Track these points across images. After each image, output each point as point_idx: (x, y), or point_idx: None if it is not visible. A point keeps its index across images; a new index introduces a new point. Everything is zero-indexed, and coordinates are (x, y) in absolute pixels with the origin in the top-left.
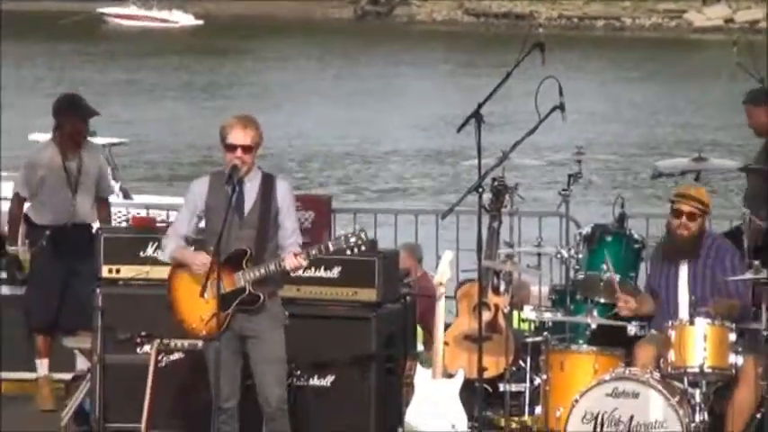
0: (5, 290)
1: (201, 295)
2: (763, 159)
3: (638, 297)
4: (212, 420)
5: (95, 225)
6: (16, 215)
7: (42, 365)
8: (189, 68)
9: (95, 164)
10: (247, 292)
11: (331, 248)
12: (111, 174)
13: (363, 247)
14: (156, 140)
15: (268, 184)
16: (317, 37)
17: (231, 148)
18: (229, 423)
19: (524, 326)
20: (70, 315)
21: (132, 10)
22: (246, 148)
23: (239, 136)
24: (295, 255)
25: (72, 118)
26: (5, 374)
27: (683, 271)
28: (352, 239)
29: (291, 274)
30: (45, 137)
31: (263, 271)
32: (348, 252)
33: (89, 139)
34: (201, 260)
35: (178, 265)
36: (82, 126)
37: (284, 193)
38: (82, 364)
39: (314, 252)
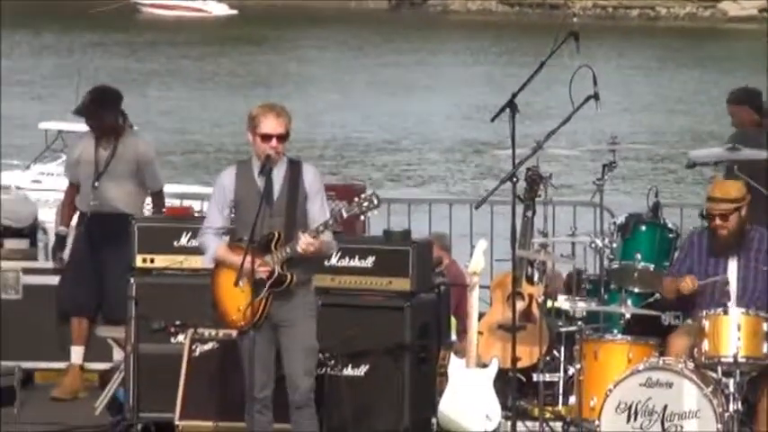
0: (38, 279)
1: (236, 284)
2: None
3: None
4: (246, 410)
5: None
6: (65, 199)
7: (76, 353)
8: (225, 59)
9: (132, 153)
10: (276, 273)
11: (345, 215)
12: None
13: (377, 211)
14: (198, 131)
15: (295, 169)
16: (352, 27)
17: (266, 137)
18: (264, 413)
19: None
20: (105, 306)
21: None
22: (281, 137)
23: (273, 125)
24: (305, 235)
25: (99, 112)
26: (39, 364)
27: (732, 266)
28: (365, 203)
29: (326, 263)
30: (56, 125)
31: (288, 251)
32: (362, 217)
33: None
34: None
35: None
36: (108, 118)
37: (311, 179)
38: (118, 355)
39: (321, 228)
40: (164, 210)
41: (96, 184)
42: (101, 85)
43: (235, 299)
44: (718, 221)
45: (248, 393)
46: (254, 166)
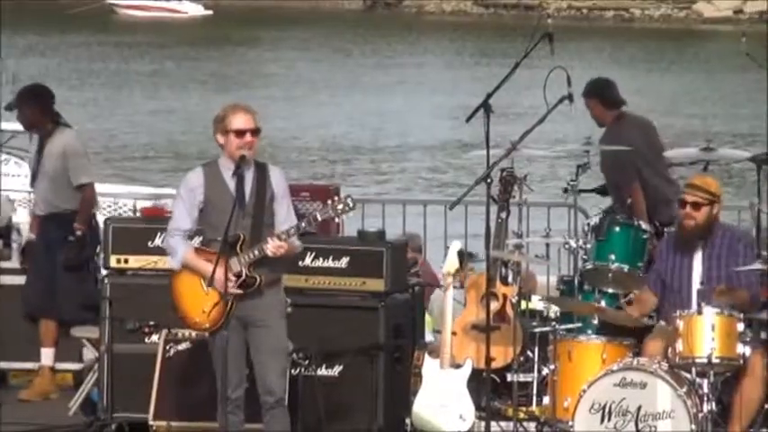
0: (11, 279)
1: (210, 285)
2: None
3: (638, 297)
4: (219, 410)
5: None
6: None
7: (45, 355)
8: (205, 60)
9: (59, 148)
10: (244, 275)
11: (319, 218)
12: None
13: (351, 213)
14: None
15: (262, 171)
16: (327, 28)
17: (239, 133)
18: (236, 413)
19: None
20: (63, 307)
21: (142, 0)
22: (254, 132)
23: (244, 120)
24: (275, 237)
25: (27, 108)
26: (13, 364)
27: (697, 261)
28: (340, 206)
29: (300, 263)
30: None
31: (256, 253)
32: (336, 219)
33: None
34: (227, 278)
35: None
36: (34, 115)
37: (278, 180)
38: (89, 355)
39: (292, 232)
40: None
41: (34, 185)
42: (33, 83)
43: (199, 300)
44: (688, 209)
45: (221, 393)
46: (222, 168)
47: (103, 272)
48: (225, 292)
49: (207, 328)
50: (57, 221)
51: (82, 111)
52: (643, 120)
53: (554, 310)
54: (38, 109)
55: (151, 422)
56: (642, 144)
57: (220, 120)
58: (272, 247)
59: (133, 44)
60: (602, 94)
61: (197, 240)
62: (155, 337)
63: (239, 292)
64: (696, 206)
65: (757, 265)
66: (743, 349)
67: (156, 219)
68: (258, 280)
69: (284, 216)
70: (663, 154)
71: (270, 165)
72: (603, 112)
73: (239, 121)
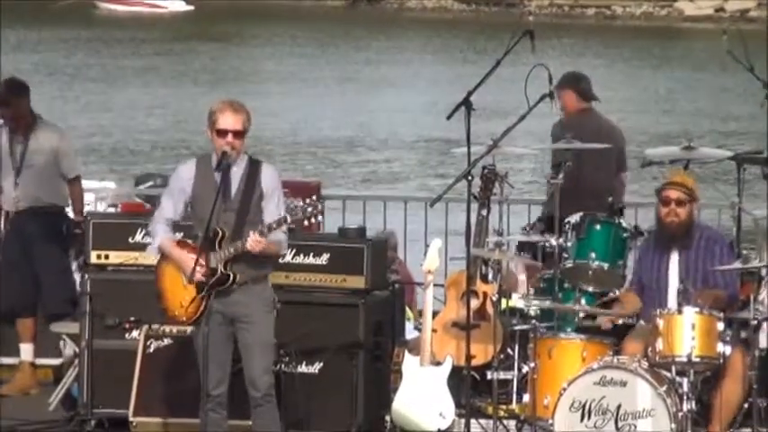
0: None
1: (190, 282)
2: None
3: (623, 298)
4: (201, 407)
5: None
6: None
7: (25, 350)
8: (182, 55)
9: (49, 143)
10: (219, 272)
11: (289, 219)
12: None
13: (320, 217)
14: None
15: (254, 168)
16: (309, 24)
17: (222, 133)
18: (217, 410)
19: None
20: (44, 303)
21: None
22: (237, 134)
23: (230, 121)
24: (254, 234)
25: (14, 101)
26: None
27: (674, 261)
28: (309, 209)
29: (280, 259)
30: None
31: (232, 250)
32: (305, 222)
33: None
34: (186, 258)
35: (165, 255)
36: (25, 107)
37: (269, 178)
38: (68, 350)
39: (274, 226)
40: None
41: (17, 180)
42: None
43: (178, 294)
44: (672, 206)
45: (202, 390)
46: (213, 162)
47: (74, 265)
48: (192, 278)
49: (184, 321)
50: (36, 216)
51: (73, 106)
52: (609, 122)
53: (534, 309)
54: (27, 101)
55: (131, 418)
56: (600, 140)
57: (210, 115)
58: (251, 242)
59: (114, 40)
60: (577, 84)
61: (179, 236)
62: (135, 333)
63: (203, 279)
64: (680, 203)
65: (736, 265)
66: (723, 348)
67: (136, 214)
68: (232, 277)
69: (273, 215)
70: (620, 159)
71: (264, 163)
72: (575, 102)
73: (224, 120)
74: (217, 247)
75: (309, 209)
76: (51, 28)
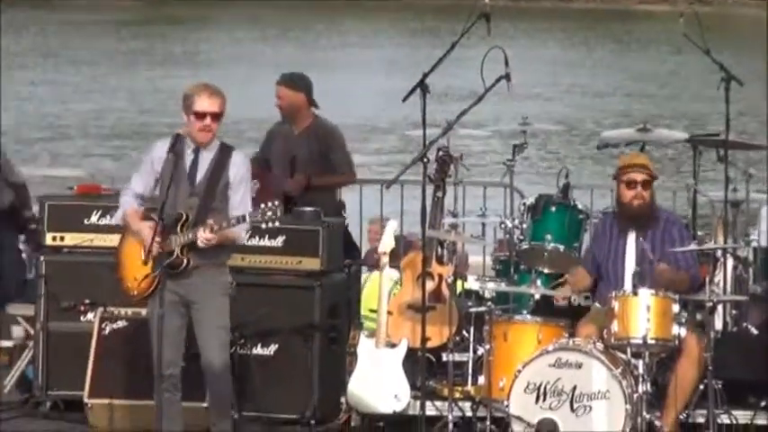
0: None
1: (146, 262)
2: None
3: (574, 274)
4: (155, 388)
5: None
6: None
7: None
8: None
9: None
10: (175, 255)
11: (247, 219)
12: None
13: (277, 223)
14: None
15: (224, 155)
16: (265, 7)
17: (200, 115)
18: (171, 391)
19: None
20: (6, 287)
21: None
22: (215, 116)
23: (207, 103)
24: (207, 227)
25: None
26: None
27: (631, 243)
28: (269, 213)
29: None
30: None
31: (189, 236)
32: (263, 225)
33: None
34: (146, 233)
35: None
36: None
37: (238, 167)
38: (19, 332)
39: (224, 224)
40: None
41: None
42: None
43: (134, 268)
44: (639, 189)
45: (156, 371)
46: (185, 145)
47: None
48: (147, 254)
49: (135, 295)
50: None
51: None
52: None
53: (490, 291)
54: None
55: (86, 400)
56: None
57: (187, 98)
58: (202, 238)
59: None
60: (310, 90)
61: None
62: (90, 316)
63: (157, 255)
64: (646, 185)
65: (693, 246)
66: (678, 330)
67: (92, 196)
68: (185, 263)
69: (237, 203)
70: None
71: (235, 150)
72: (306, 106)
73: (202, 103)
74: (178, 229)
75: (269, 213)
76: (5, 9)
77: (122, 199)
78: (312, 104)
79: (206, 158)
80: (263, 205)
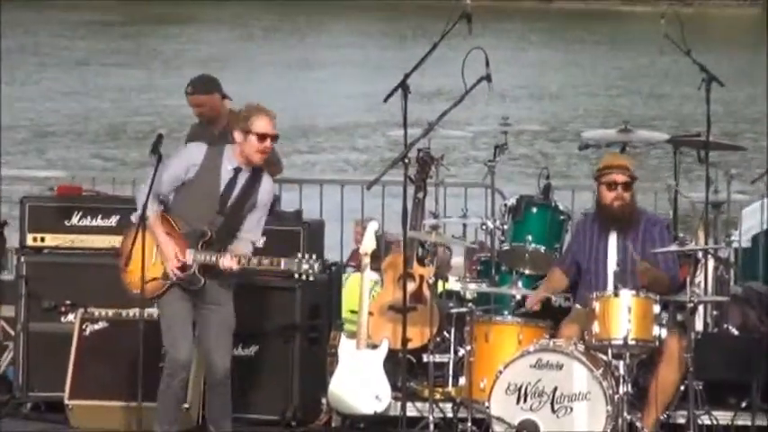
0: None
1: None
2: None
3: (548, 276)
4: (160, 388)
5: None
6: None
7: None
8: (127, 36)
9: None
10: (192, 271)
11: (283, 266)
12: None
13: (312, 278)
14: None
15: (256, 178)
16: (250, 7)
17: (262, 137)
18: (179, 393)
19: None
20: None
21: None
22: (274, 138)
23: (270, 126)
24: (235, 257)
25: None
26: None
27: (612, 244)
28: (305, 266)
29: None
30: None
31: (212, 259)
32: (296, 275)
33: None
34: (170, 252)
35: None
36: None
37: (268, 193)
38: None
39: (254, 261)
40: None
41: None
42: None
43: (145, 265)
44: (620, 190)
45: (167, 370)
46: (225, 159)
47: None
48: (167, 272)
49: (137, 293)
50: None
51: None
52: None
53: (471, 291)
54: None
55: (67, 401)
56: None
57: (243, 119)
58: (226, 266)
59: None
60: (220, 87)
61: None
62: (71, 317)
63: (180, 275)
64: (626, 186)
65: (674, 247)
66: (659, 331)
67: (73, 197)
68: (202, 282)
69: (253, 226)
70: None
71: (265, 174)
72: (223, 104)
73: (262, 125)
74: (199, 246)
75: (305, 266)
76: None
77: (144, 199)
78: (225, 98)
79: (242, 179)
80: (299, 254)
